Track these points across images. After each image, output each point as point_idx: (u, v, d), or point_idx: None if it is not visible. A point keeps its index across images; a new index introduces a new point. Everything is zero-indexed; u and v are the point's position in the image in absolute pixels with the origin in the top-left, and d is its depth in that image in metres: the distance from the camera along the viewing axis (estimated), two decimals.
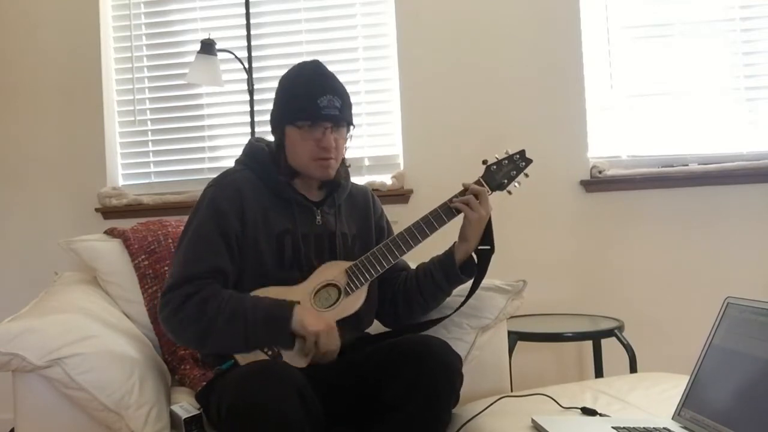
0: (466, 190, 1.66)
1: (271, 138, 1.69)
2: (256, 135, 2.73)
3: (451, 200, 1.65)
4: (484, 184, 1.67)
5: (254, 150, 1.67)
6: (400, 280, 1.74)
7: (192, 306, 1.48)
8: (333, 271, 1.60)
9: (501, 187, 1.69)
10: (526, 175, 1.72)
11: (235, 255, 1.56)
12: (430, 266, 1.69)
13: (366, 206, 1.76)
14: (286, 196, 1.62)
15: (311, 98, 1.55)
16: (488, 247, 1.65)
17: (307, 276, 1.60)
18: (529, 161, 1.70)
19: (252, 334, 1.49)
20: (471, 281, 1.69)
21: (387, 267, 1.62)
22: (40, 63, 2.97)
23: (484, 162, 1.70)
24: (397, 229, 1.71)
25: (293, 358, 1.53)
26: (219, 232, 1.54)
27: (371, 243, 1.72)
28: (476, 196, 1.63)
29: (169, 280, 1.53)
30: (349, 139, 1.64)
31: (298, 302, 1.53)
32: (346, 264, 1.61)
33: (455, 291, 1.73)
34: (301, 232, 1.62)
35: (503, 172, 1.69)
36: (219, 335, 1.49)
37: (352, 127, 1.64)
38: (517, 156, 1.70)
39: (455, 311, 1.71)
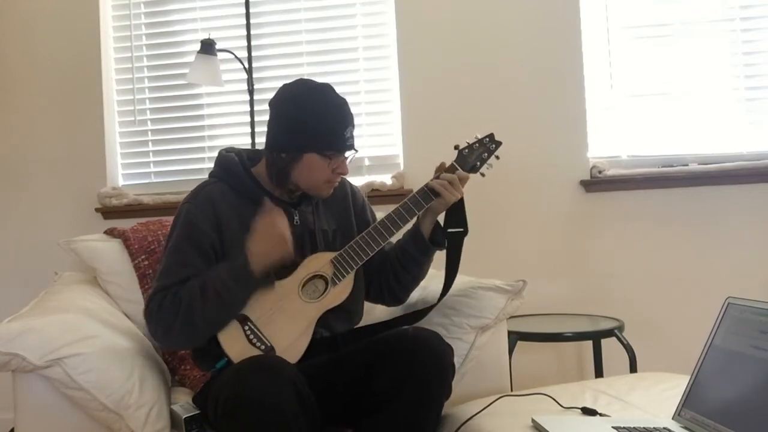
0: (440, 172, 1.71)
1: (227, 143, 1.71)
2: (256, 134, 2.75)
3: (427, 184, 1.69)
4: (458, 168, 1.71)
5: (226, 161, 1.68)
6: (385, 260, 1.77)
7: (167, 304, 1.52)
8: (318, 262, 1.63)
9: (474, 169, 1.74)
10: (497, 157, 1.76)
11: (212, 265, 1.58)
12: (404, 245, 1.75)
13: (345, 199, 1.79)
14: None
15: (338, 130, 1.59)
16: (461, 230, 1.71)
17: (292, 271, 1.62)
18: (498, 143, 1.75)
19: (225, 292, 1.50)
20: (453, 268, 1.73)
21: (371, 254, 1.65)
22: (40, 63, 2.97)
23: (456, 147, 1.74)
24: None
25: (286, 351, 1.54)
26: (194, 246, 1.57)
27: (353, 235, 1.74)
28: (450, 182, 1.67)
29: (147, 298, 1.57)
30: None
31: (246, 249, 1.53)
32: (331, 255, 1.64)
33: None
34: None
35: (475, 155, 1.74)
36: (201, 314, 1.50)
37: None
38: (487, 139, 1.75)
39: (439, 300, 1.75)
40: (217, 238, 1.59)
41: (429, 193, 1.68)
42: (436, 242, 1.72)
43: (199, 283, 1.52)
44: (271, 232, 1.52)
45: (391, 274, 1.76)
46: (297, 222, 1.67)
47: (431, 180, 1.69)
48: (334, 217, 1.75)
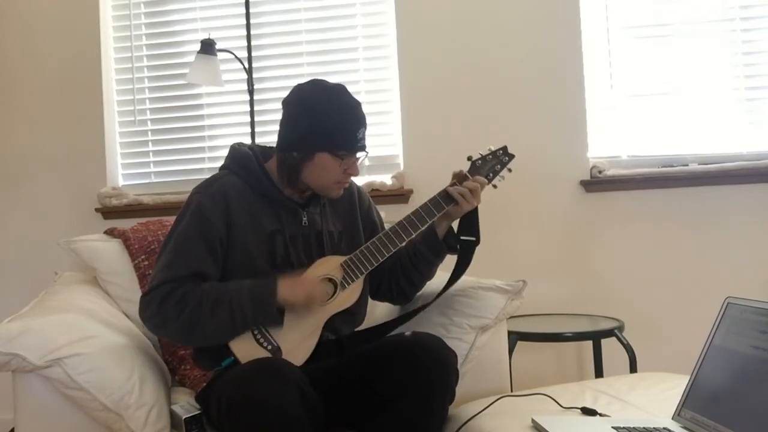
0: (462, 179, 1.71)
1: (250, 141, 1.70)
2: (256, 134, 2.75)
3: (445, 190, 1.70)
4: (470, 179, 1.72)
5: (239, 155, 1.68)
6: (395, 260, 1.77)
7: (172, 301, 1.50)
8: (328, 266, 1.63)
9: (486, 180, 1.75)
10: (510, 170, 1.77)
11: (218, 259, 1.58)
12: (417, 245, 1.75)
13: (351, 201, 1.79)
14: (273, 198, 1.64)
15: (351, 131, 1.60)
16: (473, 239, 1.72)
17: (301, 274, 1.61)
18: (511, 156, 1.77)
19: (240, 316, 1.50)
20: (457, 266, 1.75)
21: (382, 260, 1.65)
22: (40, 63, 2.97)
23: (469, 158, 1.75)
24: None
25: (293, 352, 1.54)
26: (203, 238, 1.56)
27: (359, 237, 1.74)
28: (472, 191, 1.68)
29: (150, 283, 1.56)
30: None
31: (275, 278, 1.54)
32: (341, 258, 1.64)
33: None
34: (289, 233, 1.64)
35: (488, 167, 1.75)
36: (204, 325, 1.49)
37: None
38: (501, 151, 1.77)
39: (436, 298, 1.76)
40: (225, 233, 1.58)
41: (441, 202, 1.68)
42: (449, 245, 1.73)
43: (214, 294, 1.51)
44: (317, 289, 1.55)
45: (401, 273, 1.77)
46: (305, 222, 1.67)
47: (449, 186, 1.70)
48: (341, 219, 1.75)
